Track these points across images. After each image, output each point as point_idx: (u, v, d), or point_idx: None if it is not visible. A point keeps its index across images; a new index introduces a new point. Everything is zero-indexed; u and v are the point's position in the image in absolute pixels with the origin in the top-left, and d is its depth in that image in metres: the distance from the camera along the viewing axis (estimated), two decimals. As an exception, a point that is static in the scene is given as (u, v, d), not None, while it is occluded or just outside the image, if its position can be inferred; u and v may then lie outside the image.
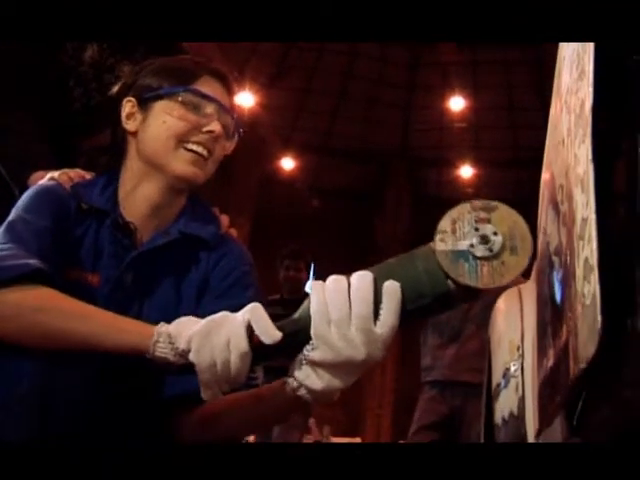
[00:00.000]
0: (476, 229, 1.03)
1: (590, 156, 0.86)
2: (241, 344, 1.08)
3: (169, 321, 1.20)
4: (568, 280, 0.97)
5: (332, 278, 1.07)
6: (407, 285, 1.05)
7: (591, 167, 0.84)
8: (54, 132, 1.91)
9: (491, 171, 15.79)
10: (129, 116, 1.48)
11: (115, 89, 1.57)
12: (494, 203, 1.05)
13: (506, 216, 1.03)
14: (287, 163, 16.19)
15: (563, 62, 1.26)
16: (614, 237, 0.79)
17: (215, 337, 1.10)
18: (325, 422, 12.15)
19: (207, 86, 1.46)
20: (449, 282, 1.03)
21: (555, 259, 1.09)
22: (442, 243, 1.04)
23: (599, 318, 0.71)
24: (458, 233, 1.04)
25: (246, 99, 13.30)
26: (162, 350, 1.15)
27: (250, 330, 1.09)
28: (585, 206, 0.85)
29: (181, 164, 1.42)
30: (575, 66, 1.06)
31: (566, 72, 1.18)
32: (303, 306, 1.09)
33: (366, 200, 16.59)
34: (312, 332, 1.06)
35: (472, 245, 1.02)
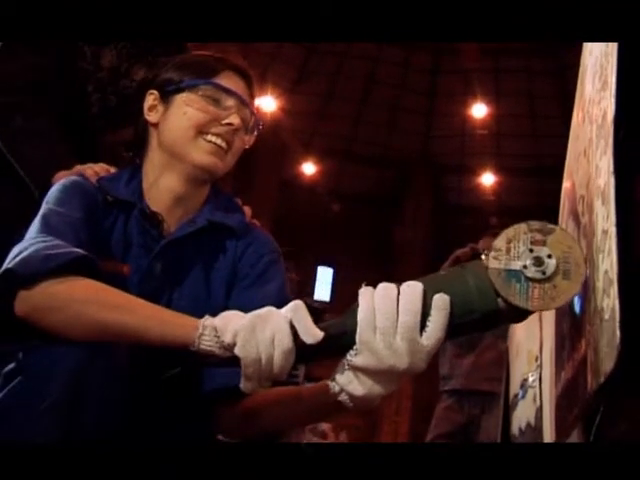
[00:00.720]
0: (531, 250, 1.03)
1: (611, 168, 0.85)
2: (285, 341, 1.09)
3: (199, 309, 1.21)
4: (587, 293, 0.96)
5: (382, 285, 1.08)
6: (457, 299, 1.05)
7: (612, 179, 0.84)
8: (75, 133, 1.93)
9: (512, 179, 15.72)
10: (151, 108, 1.52)
11: (138, 83, 1.59)
12: (551, 226, 1.05)
13: (562, 240, 1.03)
14: (308, 168, 16.20)
15: (586, 72, 1.25)
16: (635, 251, 0.78)
17: (260, 333, 1.10)
18: (342, 428, 12.13)
19: (228, 80, 1.50)
20: (499, 300, 1.03)
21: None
22: (495, 261, 1.04)
23: (618, 333, 0.70)
24: (512, 252, 1.04)
25: (268, 104, 13.33)
26: (207, 343, 1.15)
27: (294, 328, 1.10)
28: (605, 218, 0.84)
29: (200, 154, 1.45)
30: (598, 77, 1.05)
31: (589, 82, 1.17)
32: (350, 310, 1.09)
33: (386, 206, 16.56)
34: (357, 337, 1.06)
35: (525, 266, 1.02)
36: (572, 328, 1.10)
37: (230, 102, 1.48)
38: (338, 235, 16.17)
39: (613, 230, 0.79)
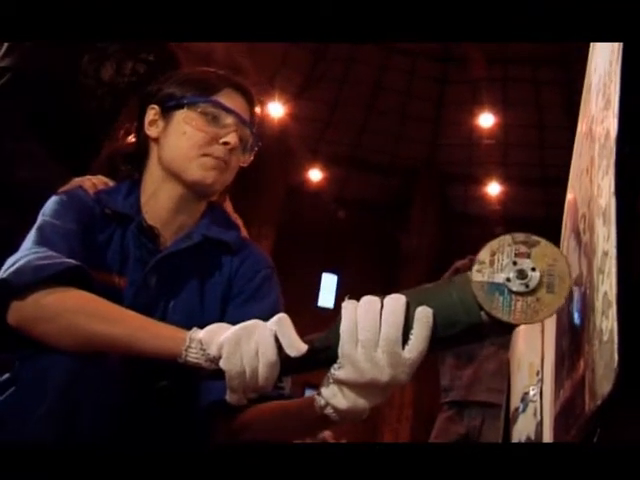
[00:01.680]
0: (514, 263, 1.01)
1: (613, 189, 0.84)
2: (269, 354, 1.09)
3: (193, 324, 1.21)
4: (587, 313, 0.95)
5: (365, 299, 1.07)
6: (440, 312, 1.04)
7: (613, 200, 0.83)
8: (67, 152, 1.93)
9: (518, 189, 15.72)
10: (152, 123, 1.53)
11: (139, 95, 1.60)
12: (536, 238, 1.03)
13: (548, 253, 1.01)
14: (314, 174, 16.22)
15: (590, 89, 1.25)
16: (634, 273, 0.77)
17: (245, 345, 1.11)
18: (342, 435, 12.11)
19: (228, 98, 1.50)
20: (482, 314, 1.02)
21: (575, 289, 1.07)
22: (479, 274, 1.03)
23: (616, 356, 0.70)
24: (496, 265, 1.02)
25: (275, 109, 13.36)
26: (194, 356, 1.16)
27: (279, 341, 1.10)
28: (606, 239, 0.84)
29: (197, 171, 1.46)
30: (601, 95, 1.05)
31: (592, 100, 1.17)
32: (335, 324, 1.09)
33: (392, 213, 16.57)
34: (339, 350, 1.06)
35: (509, 279, 1.00)
36: (571, 347, 1.09)
37: (229, 120, 1.48)
38: (343, 242, 16.18)
39: (613, 252, 0.79)
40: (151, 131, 1.52)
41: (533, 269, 1.00)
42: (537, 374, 1.81)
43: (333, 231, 16.06)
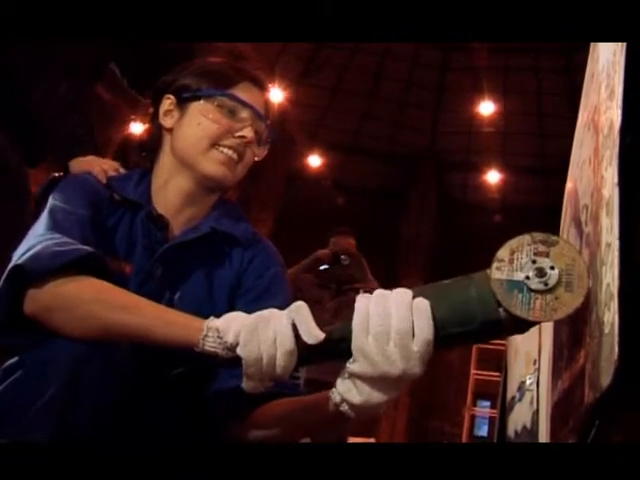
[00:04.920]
0: (533, 261, 1.02)
1: (616, 179, 0.84)
2: (287, 342, 1.09)
3: (201, 316, 1.21)
4: (590, 304, 0.95)
5: (378, 292, 1.08)
6: (458, 308, 1.05)
7: (616, 191, 0.83)
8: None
9: (518, 177, 15.69)
10: (167, 113, 1.53)
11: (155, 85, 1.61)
12: (555, 238, 1.04)
13: (566, 252, 1.02)
14: (314, 160, 16.17)
15: (591, 79, 1.24)
16: (637, 264, 0.77)
17: (262, 333, 1.11)
18: (339, 421, 12.12)
19: (245, 92, 1.50)
20: (501, 311, 1.03)
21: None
22: (498, 271, 1.04)
23: (616, 349, 0.70)
24: (515, 264, 1.03)
25: (275, 95, 13.31)
26: (211, 344, 1.16)
27: (297, 329, 1.10)
28: (609, 231, 0.83)
29: (210, 164, 1.46)
30: (605, 85, 1.04)
31: (594, 90, 1.16)
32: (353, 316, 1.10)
33: (391, 200, 16.54)
34: (352, 344, 1.07)
35: (528, 277, 1.02)
36: (571, 337, 1.09)
37: (245, 114, 1.48)
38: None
39: (616, 243, 0.78)
40: (166, 121, 1.52)
41: (552, 268, 1.01)
42: (534, 363, 1.81)
43: (332, 217, 16.04)
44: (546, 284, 1.00)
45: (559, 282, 1.00)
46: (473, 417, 13.21)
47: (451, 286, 1.09)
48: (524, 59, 13.61)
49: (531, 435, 1.69)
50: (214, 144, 1.46)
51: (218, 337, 1.15)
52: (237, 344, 1.13)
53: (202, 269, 1.49)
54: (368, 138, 15.96)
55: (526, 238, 1.05)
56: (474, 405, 12.87)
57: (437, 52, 14.15)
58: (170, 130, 1.52)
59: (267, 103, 1.55)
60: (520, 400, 1.90)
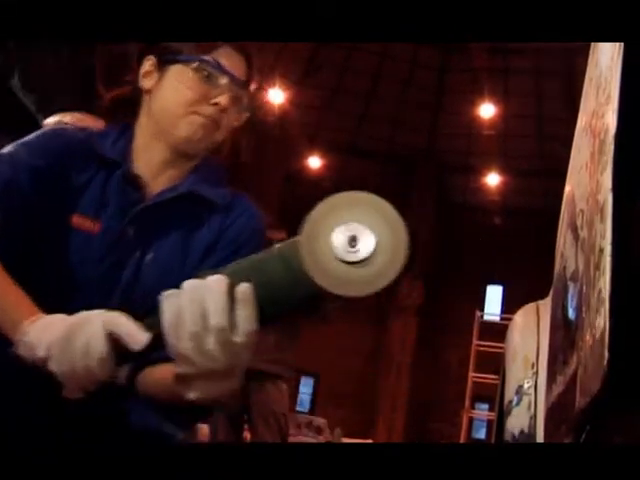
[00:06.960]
0: (348, 235, 0.97)
1: (610, 185, 0.84)
2: (100, 350, 1.06)
3: (168, 280, 1.15)
4: (582, 308, 0.95)
5: (188, 285, 1.00)
6: (270, 286, 1.00)
7: (610, 196, 0.83)
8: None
9: (518, 180, 15.70)
10: (146, 74, 1.49)
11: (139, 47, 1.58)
12: (374, 204, 1.01)
13: (382, 224, 0.98)
14: (313, 161, 16.19)
15: (590, 83, 1.24)
16: (629, 272, 0.77)
17: (74, 345, 1.07)
18: (337, 423, 12.14)
19: (225, 58, 1.45)
20: (313, 285, 0.97)
21: (570, 284, 1.07)
22: (309, 243, 0.98)
23: (606, 354, 0.70)
24: (329, 236, 0.98)
25: (275, 96, 13.32)
26: (23, 352, 1.13)
27: (115, 334, 1.05)
28: (603, 236, 0.83)
29: (185, 129, 1.42)
30: (602, 90, 1.04)
31: (592, 94, 1.16)
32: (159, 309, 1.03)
33: (390, 201, 16.53)
34: (168, 349, 1.01)
35: (341, 250, 0.96)
36: (565, 342, 1.09)
37: (223, 81, 1.43)
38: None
39: (609, 249, 0.78)
40: (145, 82, 1.49)
41: (367, 241, 0.97)
42: (532, 367, 1.81)
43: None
44: (359, 257, 0.96)
45: (374, 255, 0.96)
46: (471, 420, 13.23)
47: (258, 264, 1.03)
48: (524, 61, 13.62)
49: (529, 439, 1.69)
50: (189, 110, 1.42)
51: (30, 349, 1.12)
52: (48, 358, 1.09)
53: (178, 231, 1.45)
54: (367, 139, 15.98)
55: (341, 211, 1.00)
56: (472, 408, 12.88)
57: (437, 53, 14.17)
58: (149, 92, 1.48)
59: (250, 69, 1.50)
60: (518, 404, 1.89)
